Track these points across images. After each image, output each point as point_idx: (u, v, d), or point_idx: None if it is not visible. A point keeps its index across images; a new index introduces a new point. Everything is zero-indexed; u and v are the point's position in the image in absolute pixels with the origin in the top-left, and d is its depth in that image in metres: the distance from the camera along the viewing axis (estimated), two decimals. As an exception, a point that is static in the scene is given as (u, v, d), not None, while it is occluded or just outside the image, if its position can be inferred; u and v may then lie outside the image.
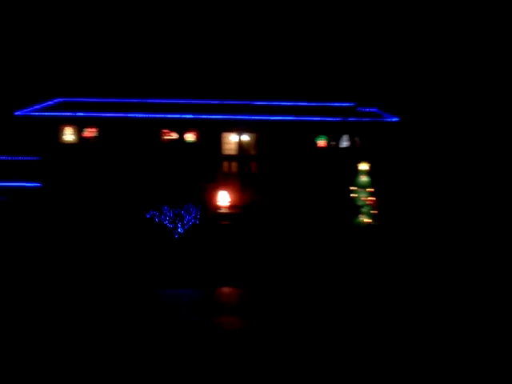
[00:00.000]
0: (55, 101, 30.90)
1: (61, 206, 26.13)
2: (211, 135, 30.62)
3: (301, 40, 30.85)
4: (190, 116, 30.43)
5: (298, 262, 19.54)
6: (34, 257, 20.57)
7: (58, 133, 30.20)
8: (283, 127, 30.32)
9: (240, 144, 30.91)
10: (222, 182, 29.18)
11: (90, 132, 30.50)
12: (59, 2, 29.47)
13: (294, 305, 14.38)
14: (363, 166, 25.90)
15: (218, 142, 30.61)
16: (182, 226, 22.60)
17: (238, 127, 30.81)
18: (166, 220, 22.43)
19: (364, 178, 25.54)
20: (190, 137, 30.58)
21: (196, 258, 19.81)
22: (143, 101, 30.67)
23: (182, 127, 30.75)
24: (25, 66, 29.85)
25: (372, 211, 25.12)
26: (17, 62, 29.64)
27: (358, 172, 25.98)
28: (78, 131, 30.48)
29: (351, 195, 25.48)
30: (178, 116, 30.45)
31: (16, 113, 29.39)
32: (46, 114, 30.19)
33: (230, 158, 30.70)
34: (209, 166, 29.71)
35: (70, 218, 25.46)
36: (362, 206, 25.08)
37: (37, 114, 30.09)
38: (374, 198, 25.15)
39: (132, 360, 9.14)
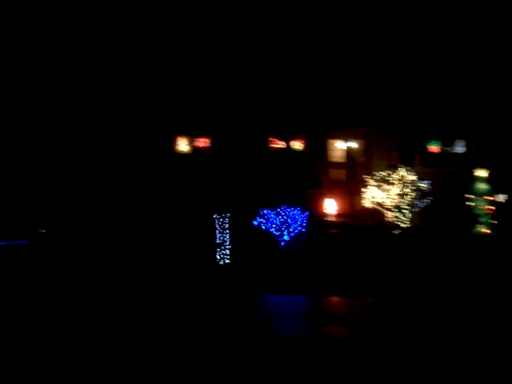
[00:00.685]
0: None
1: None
2: (318, 142, 30.59)
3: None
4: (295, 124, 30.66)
5: (408, 271, 18.76)
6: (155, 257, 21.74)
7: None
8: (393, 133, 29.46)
9: (348, 151, 30.52)
10: (329, 189, 28.95)
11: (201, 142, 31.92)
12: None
13: (405, 315, 13.81)
14: (481, 173, 24.27)
15: (324, 149, 30.50)
16: (288, 233, 22.73)
17: (346, 134, 30.51)
18: (272, 227, 22.71)
19: (482, 186, 23.92)
20: (296, 144, 30.80)
21: (302, 266, 19.80)
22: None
23: (288, 135, 31.07)
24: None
25: (490, 221, 23.44)
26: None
27: (475, 179, 24.41)
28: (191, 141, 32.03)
29: (467, 203, 24.00)
30: (284, 124, 30.88)
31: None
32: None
33: (337, 165, 30.42)
34: (315, 173, 29.66)
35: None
36: (480, 216, 23.50)
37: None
38: (493, 207, 23.46)
39: (239, 367, 9.33)
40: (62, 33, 29.88)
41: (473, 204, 23.93)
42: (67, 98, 30.62)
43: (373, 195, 25.45)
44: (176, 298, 16.36)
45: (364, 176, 26.88)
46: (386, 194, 25.31)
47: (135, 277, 18.86)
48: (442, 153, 28.87)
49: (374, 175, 26.10)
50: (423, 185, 25.27)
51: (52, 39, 29.89)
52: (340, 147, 30.71)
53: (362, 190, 26.25)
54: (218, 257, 21.85)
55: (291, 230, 22.73)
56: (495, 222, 23.51)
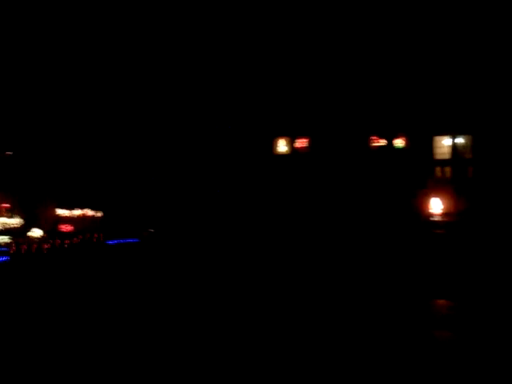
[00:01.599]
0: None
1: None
2: (422, 139, 29.40)
3: None
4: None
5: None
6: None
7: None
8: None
9: (453, 147, 28.99)
10: (435, 188, 27.69)
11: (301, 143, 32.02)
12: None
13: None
14: None
15: (429, 146, 29.23)
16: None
17: (452, 130, 29.00)
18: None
19: None
20: (399, 142, 29.86)
21: (408, 268, 19.17)
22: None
23: (390, 133, 30.20)
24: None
25: None
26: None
27: None
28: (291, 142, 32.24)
29: None
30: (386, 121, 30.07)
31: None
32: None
33: (442, 162, 29.01)
34: (420, 171, 28.53)
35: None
36: None
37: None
38: None
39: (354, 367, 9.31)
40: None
41: None
42: (181, 105, 32.23)
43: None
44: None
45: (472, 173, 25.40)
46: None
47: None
48: None
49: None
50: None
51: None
52: (445, 143, 29.25)
53: (471, 188, 24.82)
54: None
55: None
56: None
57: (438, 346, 10.77)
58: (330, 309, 14.16)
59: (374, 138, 30.45)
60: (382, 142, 30.40)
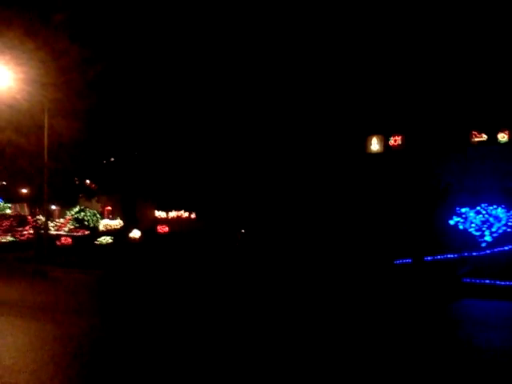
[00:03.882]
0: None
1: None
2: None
3: None
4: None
5: None
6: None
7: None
8: None
9: None
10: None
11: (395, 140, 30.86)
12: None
13: None
14: None
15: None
16: (490, 233, 20.54)
17: None
18: (470, 227, 20.80)
19: None
20: (501, 136, 27.80)
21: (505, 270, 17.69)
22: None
23: (492, 127, 28.20)
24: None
25: None
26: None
27: None
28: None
29: None
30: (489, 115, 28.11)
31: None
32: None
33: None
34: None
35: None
36: None
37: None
38: None
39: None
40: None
41: None
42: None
43: None
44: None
45: None
46: None
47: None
48: None
49: None
50: None
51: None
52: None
53: None
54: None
55: (494, 229, 20.49)
56: None
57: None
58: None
59: (475, 132, 28.67)
60: (483, 137, 28.55)
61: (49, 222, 26.93)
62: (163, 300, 15.02)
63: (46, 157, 20.52)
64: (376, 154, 31.34)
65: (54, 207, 32.47)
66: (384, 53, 30.74)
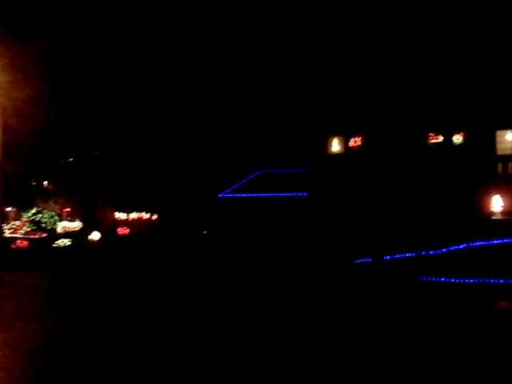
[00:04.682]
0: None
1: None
2: (483, 134, 27.97)
3: None
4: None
5: None
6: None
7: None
8: None
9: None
10: (497, 185, 26.24)
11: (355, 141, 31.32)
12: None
13: None
14: None
15: (490, 142, 27.76)
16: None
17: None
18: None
19: None
20: (458, 138, 28.58)
21: (469, 268, 18.28)
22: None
23: (448, 129, 28.97)
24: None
25: None
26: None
27: None
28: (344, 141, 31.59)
29: None
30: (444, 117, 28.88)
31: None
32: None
33: (506, 158, 27.46)
34: (480, 168, 27.15)
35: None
36: None
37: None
38: None
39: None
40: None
41: None
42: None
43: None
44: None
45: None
46: None
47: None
48: None
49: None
50: None
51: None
52: (508, 138, 27.69)
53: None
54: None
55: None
56: None
57: (500, 348, 10.20)
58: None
59: (431, 134, 29.36)
60: (440, 139, 29.26)
61: (4, 225, 26.11)
62: (118, 302, 14.80)
63: (0, 157, 19.94)
64: (337, 155, 31.74)
65: (9, 209, 31.56)
66: (345, 55, 31.18)
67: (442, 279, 16.40)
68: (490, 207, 25.05)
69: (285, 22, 31.44)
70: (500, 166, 27.31)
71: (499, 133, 27.94)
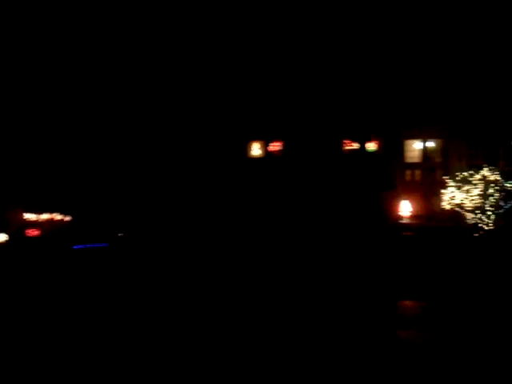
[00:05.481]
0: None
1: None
2: (393, 143, 29.60)
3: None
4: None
5: (487, 276, 17.49)
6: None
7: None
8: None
9: (425, 151, 29.26)
10: (405, 190, 27.86)
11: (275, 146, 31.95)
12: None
13: (479, 320, 12.90)
14: None
15: (400, 150, 29.45)
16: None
17: (423, 134, 29.26)
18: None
19: None
20: (371, 146, 30.01)
21: (377, 270, 19.10)
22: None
23: (363, 136, 30.33)
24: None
25: None
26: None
27: None
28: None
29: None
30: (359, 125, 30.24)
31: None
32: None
33: (413, 165, 29.25)
34: (391, 174, 28.71)
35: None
36: None
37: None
38: None
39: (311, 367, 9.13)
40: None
41: None
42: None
43: (451, 196, 24.09)
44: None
45: (443, 177, 25.61)
46: (467, 194, 23.85)
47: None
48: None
49: (454, 175, 24.73)
50: (509, 185, 23.59)
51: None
52: (417, 147, 29.50)
53: (440, 191, 24.98)
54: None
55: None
56: None
57: (404, 346, 10.68)
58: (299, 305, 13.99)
59: (347, 141, 30.60)
60: (355, 146, 30.54)
61: None
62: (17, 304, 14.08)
63: None
64: (257, 158, 32.26)
65: None
66: (266, 64, 31.72)
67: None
68: (398, 211, 26.54)
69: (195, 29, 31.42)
70: (408, 173, 29.08)
71: (407, 142, 29.73)
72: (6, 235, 26.12)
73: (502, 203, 23.59)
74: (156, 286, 17.00)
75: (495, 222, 23.58)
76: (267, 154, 32.15)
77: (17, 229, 27.58)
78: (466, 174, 24.23)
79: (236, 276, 18.54)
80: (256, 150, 32.45)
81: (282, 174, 30.85)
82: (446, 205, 24.40)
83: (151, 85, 31.72)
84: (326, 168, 30.06)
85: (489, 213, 23.51)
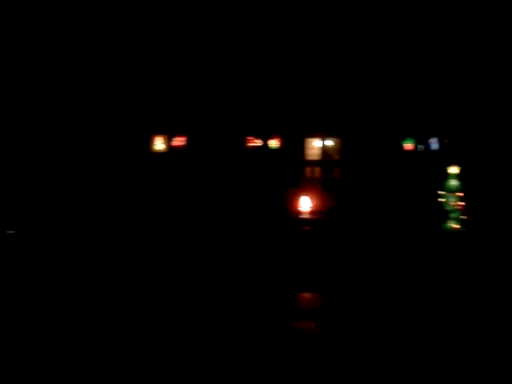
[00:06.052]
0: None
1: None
2: (295, 141, 30.62)
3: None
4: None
5: (380, 268, 18.77)
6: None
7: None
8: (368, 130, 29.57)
9: (324, 149, 30.61)
10: (305, 187, 28.98)
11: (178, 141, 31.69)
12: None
13: (374, 312, 13.81)
14: (453, 170, 24.41)
15: (301, 148, 30.54)
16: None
17: (323, 133, 30.58)
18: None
19: (454, 182, 24.04)
20: (273, 143, 30.78)
21: (276, 263, 19.72)
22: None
23: (266, 134, 31.04)
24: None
25: (461, 216, 23.58)
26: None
27: (447, 176, 24.53)
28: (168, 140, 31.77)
29: (439, 200, 24.11)
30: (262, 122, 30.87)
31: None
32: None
33: (313, 163, 30.50)
34: (292, 171, 29.68)
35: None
36: (451, 211, 23.61)
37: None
38: (464, 203, 23.57)
39: (203, 361, 9.19)
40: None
41: (444, 200, 24.05)
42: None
43: (347, 192, 25.44)
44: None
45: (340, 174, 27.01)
46: (361, 191, 25.32)
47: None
48: (416, 150, 29.18)
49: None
50: (398, 182, 25.35)
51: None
52: (316, 145, 30.80)
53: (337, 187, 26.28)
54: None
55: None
56: (465, 217, 23.69)
57: (301, 337, 11.11)
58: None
59: (250, 138, 31.13)
60: (258, 143, 31.14)
61: None
62: None
63: None
64: (160, 153, 31.80)
65: None
66: (167, 59, 31.29)
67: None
68: (298, 207, 27.55)
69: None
70: (308, 169, 30.31)
71: (308, 140, 30.93)
72: None
73: (392, 199, 25.27)
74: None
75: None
76: (171, 149, 31.84)
77: None
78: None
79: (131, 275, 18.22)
80: (159, 144, 31.97)
81: (185, 170, 30.74)
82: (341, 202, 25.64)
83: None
84: (229, 164, 30.41)
85: (379, 208, 25.09)
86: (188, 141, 31.43)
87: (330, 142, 30.69)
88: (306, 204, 26.99)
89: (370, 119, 29.65)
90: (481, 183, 26.14)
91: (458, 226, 23.37)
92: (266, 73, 30.95)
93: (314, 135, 30.95)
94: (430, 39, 28.82)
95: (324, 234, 24.25)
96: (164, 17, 30.52)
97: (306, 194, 27.55)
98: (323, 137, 30.79)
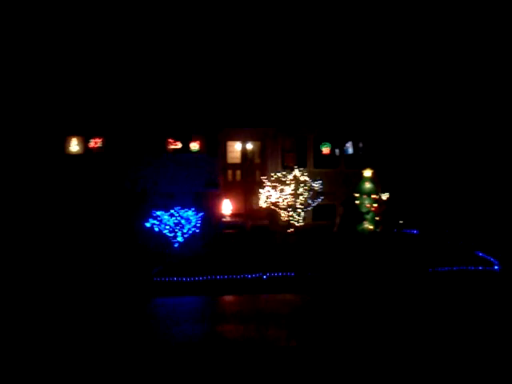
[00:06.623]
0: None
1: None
2: (215, 143, 30.56)
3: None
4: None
5: (300, 268, 19.25)
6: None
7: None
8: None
9: (244, 152, 30.86)
10: (226, 190, 29.07)
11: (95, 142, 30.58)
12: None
13: (303, 313, 14.12)
14: (367, 172, 25.54)
15: (222, 150, 30.54)
16: (182, 234, 22.41)
17: (243, 135, 30.79)
18: (165, 229, 22.26)
19: (368, 185, 25.16)
20: (194, 145, 30.51)
21: (198, 267, 19.64)
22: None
23: (186, 136, 30.71)
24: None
25: (375, 218, 24.74)
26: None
27: (361, 178, 25.63)
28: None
29: (355, 202, 25.14)
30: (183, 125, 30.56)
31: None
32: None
33: (234, 166, 30.65)
34: (213, 174, 29.57)
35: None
36: (366, 213, 24.70)
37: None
38: (378, 205, 24.78)
39: (132, 369, 8.95)
40: None
41: (359, 202, 25.09)
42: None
43: (268, 195, 25.76)
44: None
45: (261, 177, 27.28)
46: (281, 194, 25.73)
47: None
48: (332, 154, 30.23)
49: (270, 176, 26.47)
50: (316, 185, 26.02)
51: None
52: (237, 148, 30.98)
53: (258, 190, 26.55)
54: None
55: (185, 231, 22.42)
56: (379, 218, 24.87)
57: (222, 340, 11.09)
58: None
59: (170, 140, 30.68)
60: (178, 145, 30.74)
61: None
62: None
63: None
64: (76, 155, 30.53)
65: None
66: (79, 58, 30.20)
67: (174, 278, 17.36)
68: (221, 210, 27.59)
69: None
70: (230, 173, 30.39)
71: (229, 143, 31.02)
72: None
73: (309, 201, 25.96)
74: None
75: (304, 219, 25.90)
76: (87, 151, 30.66)
77: None
78: (279, 174, 26.02)
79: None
80: (74, 146, 30.69)
81: (102, 172, 29.78)
82: (263, 203, 25.96)
83: None
84: (151, 165, 29.80)
85: (299, 210, 25.67)
86: (105, 142, 30.41)
87: (251, 146, 30.99)
88: (227, 207, 27.09)
89: (289, 123, 30.25)
90: (395, 185, 27.60)
91: (372, 227, 24.55)
92: (187, 76, 30.74)
93: (235, 138, 31.12)
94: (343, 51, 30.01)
95: (247, 236, 24.39)
96: (87, 18, 29.42)
97: (228, 197, 27.59)
98: (244, 140, 31.07)
